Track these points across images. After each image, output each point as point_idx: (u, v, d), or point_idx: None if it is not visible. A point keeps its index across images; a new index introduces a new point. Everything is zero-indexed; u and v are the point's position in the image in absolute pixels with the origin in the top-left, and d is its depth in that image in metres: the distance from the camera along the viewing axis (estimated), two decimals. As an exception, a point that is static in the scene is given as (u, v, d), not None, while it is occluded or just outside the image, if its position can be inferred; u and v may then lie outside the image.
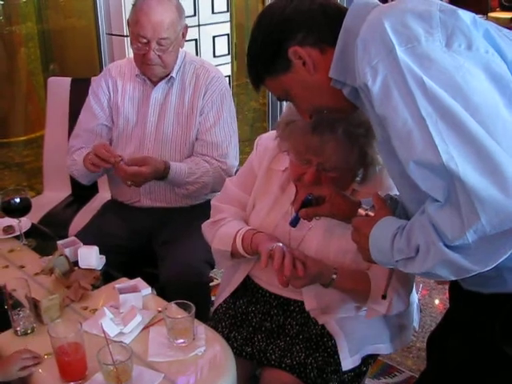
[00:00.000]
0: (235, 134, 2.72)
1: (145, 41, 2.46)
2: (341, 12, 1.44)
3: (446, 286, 3.35)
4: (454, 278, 1.32)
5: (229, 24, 4.44)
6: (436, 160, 1.18)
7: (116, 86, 2.71)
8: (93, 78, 3.19)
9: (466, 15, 1.30)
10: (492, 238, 1.18)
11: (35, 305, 1.79)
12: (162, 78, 2.64)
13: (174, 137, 2.64)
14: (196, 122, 2.63)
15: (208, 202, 2.26)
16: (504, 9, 7.71)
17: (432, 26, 1.25)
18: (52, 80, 3.40)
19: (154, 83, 2.65)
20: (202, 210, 2.35)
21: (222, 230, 2.01)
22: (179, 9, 2.54)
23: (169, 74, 2.62)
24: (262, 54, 1.52)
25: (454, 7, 1.32)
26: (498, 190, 1.13)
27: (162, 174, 2.50)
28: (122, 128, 2.70)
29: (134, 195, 2.71)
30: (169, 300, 1.83)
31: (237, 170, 2.64)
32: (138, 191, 2.66)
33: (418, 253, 1.30)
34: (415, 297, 2.04)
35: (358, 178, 1.87)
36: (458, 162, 1.16)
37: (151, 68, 2.56)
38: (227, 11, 4.40)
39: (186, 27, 2.62)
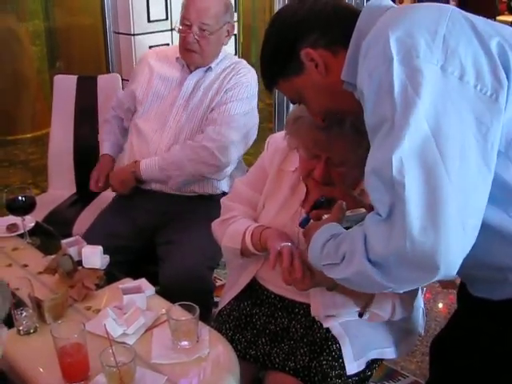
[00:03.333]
0: (244, 127, 2.70)
1: (188, 23, 2.61)
2: (354, 14, 1.43)
3: (451, 291, 3.36)
4: (368, 291, 1.44)
5: (236, 24, 4.43)
6: (387, 172, 1.18)
7: (152, 69, 2.82)
8: (100, 75, 3.19)
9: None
10: (412, 267, 1.20)
11: (38, 304, 1.78)
12: (199, 67, 2.73)
13: (196, 119, 2.70)
14: (213, 104, 2.69)
15: (214, 200, 2.25)
16: (512, 12, 7.73)
17: (434, 40, 1.22)
18: (58, 78, 3.40)
19: (191, 70, 2.75)
20: (208, 210, 2.34)
21: (232, 228, 2.00)
22: (227, 5, 2.69)
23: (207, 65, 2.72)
24: (275, 56, 1.52)
25: (471, 21, 1.28)
26: (431, 224, 1.15)
27: (130, 173, 2.68)
28: (149, 104, 2.79)
29: None
30: (171, 300, 1.82)
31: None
32: None
33: (342, 260, 1.33)
34: (421, 302, 2.03)
35: None
36: (407, 185, 1.16)
37: (190, 55, 2.67)
38: (235, 11, 4.39)
39: (233, 26, 2.74)
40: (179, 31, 2.65)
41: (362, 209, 1.67)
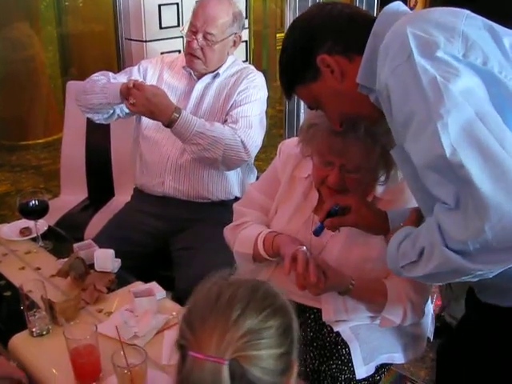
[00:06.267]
0: (259, 123, 2.66)
1: (194, 29, 2.61)
2: (369, 20, 1.45)
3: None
4: (457, 280, 1.29)
5: (247, 31, 4.45)
6: (441, 161, 1.16)
7: (162, 75, 2.79)
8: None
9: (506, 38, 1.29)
10: (495, 248, 1.15)
11: (51, 306, 1.80)
12: (206, 73, 2.72)
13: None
14: (227, 109, 2.66)
15: (226, 205, 2.24)
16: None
17: (453, 35, 1.24)
18: (71, 84, 3.41)
19: (199, 77, 2.73)
20: (221, 215, 2.34)
21: (244, 233, 2.01)
22: (236, 16, 2.66)
23: (214, 71, 2.71)
24: (292, 63, 1.54)
25: (488, 24, 1.31)
26: (505, 196, 1.11)
27: (170, 111, 2.45)
28: None
29: (160, 173, 2.71)
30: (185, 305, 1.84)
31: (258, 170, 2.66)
32: (163, 169, 2.68)
33: (421, 256, 1.29)
34: (430, 308, 2.03)
35: (381, 180, 1.85)
36: (467, 166, 1.13)
37: (193, 61, 2.66)
38: (246, 18, 4.41)
39: (240, 37, 2.72)
40: (186, 36, 2.66)
41: None
